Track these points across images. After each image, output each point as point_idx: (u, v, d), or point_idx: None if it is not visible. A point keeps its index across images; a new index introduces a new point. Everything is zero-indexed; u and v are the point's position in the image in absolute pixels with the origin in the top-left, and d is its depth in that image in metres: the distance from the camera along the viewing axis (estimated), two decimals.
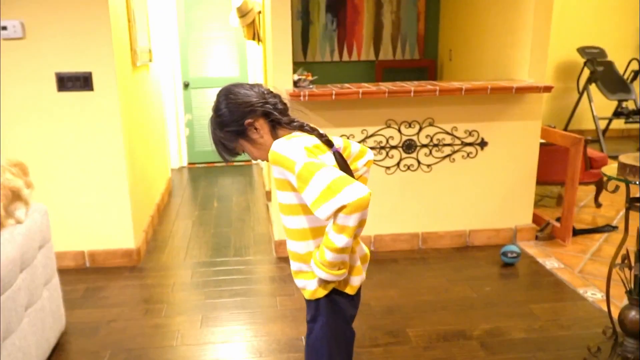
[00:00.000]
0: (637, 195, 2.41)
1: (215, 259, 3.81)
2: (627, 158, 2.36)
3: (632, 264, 2.42)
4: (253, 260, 3.78)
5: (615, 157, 3.13)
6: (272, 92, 1.60)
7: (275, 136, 1.57)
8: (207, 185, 5.74)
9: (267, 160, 1.56)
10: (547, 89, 3.60)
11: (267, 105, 1.55)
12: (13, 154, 3.27)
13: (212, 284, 3.43)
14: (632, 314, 2.45)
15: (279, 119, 1.56)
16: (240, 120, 1.54)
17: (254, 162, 6.65)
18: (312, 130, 1.58)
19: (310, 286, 1.58)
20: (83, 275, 3.54)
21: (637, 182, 2.25)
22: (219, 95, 1.60)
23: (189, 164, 6.61)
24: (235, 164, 6.64)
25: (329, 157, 1.53)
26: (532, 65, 3.78)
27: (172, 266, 3.71)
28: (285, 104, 1.61)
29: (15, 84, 3.37)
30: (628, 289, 2.46)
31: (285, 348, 2.71)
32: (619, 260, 2.45)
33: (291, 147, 1.44)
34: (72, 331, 2.88)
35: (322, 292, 1.57)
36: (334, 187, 1.36)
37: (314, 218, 1.47)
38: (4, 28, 3.29)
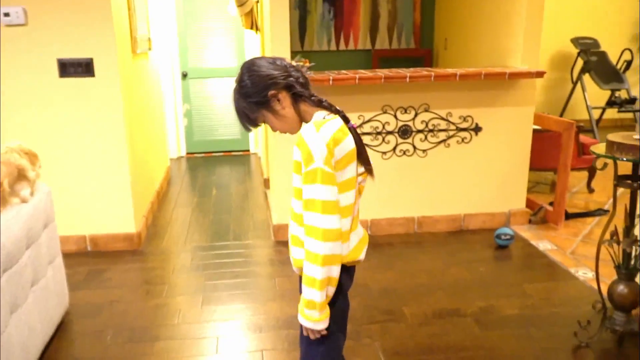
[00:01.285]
0: (625, 174, 2.49)
1: (215, 243, 3.88)
2: (615, 136, 2.43)
3: (621, 239, 2.50)
4: (252, 244, 3.85)
5: None
6: (294, 66, 1.65)
7: (297, 109, 1.62)
8: (205, 174, 5.80)
9: (289, 132, 1.65)
10: (540, 74, 3.67)
11: (290, 79, 1.59)
12: (14, 139, 3.33)
13: (212, 266, 3.50)
14: (621, 287, 2.54)
15: (301, 92, 1.60)
16: (263, 92, 1.58)
17: (252, 151, 6.70)
18: (330, 107, 1.63)
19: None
20: (85, 259, 3.60)
21: (625, 159, 2.32)
22: (242, 68, 1.63)
23: (188, 153, 6.66)
24: (233, 153, 6.70)
25: (349, 140, 1.58)
26: (525, 53, 3.84)
27: (173, 250, 3.77)
28: (306, 78, 1.65)
29: (18, 69, 3.43)
30: (617, 264, 2.55)
31: (284, 325, 2.78)
32: (607, 237, 2.53)
33: (317, 140, 1.50)
34: (75, 311, 2.94)
35: None
36: (322, 206, 1.49)
37: None
38: (7, 14, 3.34)
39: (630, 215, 2.49)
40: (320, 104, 1.62)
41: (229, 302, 3.04)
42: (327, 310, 1.58)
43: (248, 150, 6.74)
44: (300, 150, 1.53)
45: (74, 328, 2.79)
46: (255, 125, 1.67)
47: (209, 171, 5.94)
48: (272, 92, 1.57)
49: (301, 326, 1.63)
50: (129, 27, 3.90)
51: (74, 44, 3.44)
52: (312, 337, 1.61)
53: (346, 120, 1.62)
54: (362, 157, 1.62)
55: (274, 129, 1.67)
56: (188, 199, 4.96)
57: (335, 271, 1.55)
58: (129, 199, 3.70)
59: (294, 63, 3.58)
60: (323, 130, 1.53)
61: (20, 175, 2.29)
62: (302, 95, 1.61)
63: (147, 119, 4.52)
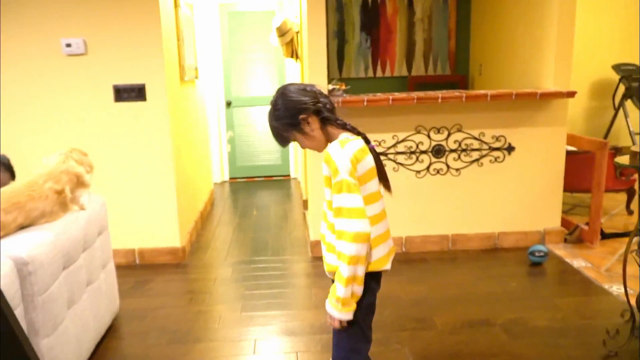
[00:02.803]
0: None
1: (254, 258, 4.06)
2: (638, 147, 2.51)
3: None
4: (290, 260, 4.00)
5: None
6: (323, 93, 1.87)
7: (324, 130, 1.83)
8: (247, 197, 6.03)
9: (316, 150, 1.86)
10: (571, 94, 3.76)
11: (319, 104, 1.81)
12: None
13: (251, 278, 3.67)
14: None
15: (328, 116, 1.82)
16: (295, 115, 1.80)
17: (292, 176, 6.92)
18: (353, 129, 1.84)
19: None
20: (133, 270, 3.83)
21: None
22: (277, 92, 1.86)
23: (231, 178, 6.93)
24: (274, 178, 6.93)
25: (369, 159, 1.78)
26: (557, 76, 3.94)
27: (214, 264, 3.97)
28: (333, 105, 1.87)
29: (77, 94, 3.74)
30: None
31: (318, 330, 2.91)
32: (635, 247, 2.59)
33: (342, 156, 1.71)
34: (124, 315, 3.15)
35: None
36: (348, 212, 1.68)
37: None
38: (69, 45, 3.66)
39: None
40: (344, 127, 1.83)
41: (266, 309, 3.19)
42: (351, 306, 1.74)
43: (288, 175, 6.96)
44: (328, 165, 1.73)
45: (123, 329, 2.99)
46: (287, 142, 1.88)
47: (251, 194, 6.17)
48: (302, 116, 1.79)
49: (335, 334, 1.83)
50: (177, 55, 4.19)
51: (128, 71, 3.73)
52: (334, 325, 1.77)
53: (367, 141, 1.82)
54: (381, 174, 1.82)
55: (302, 147, 1.88)
56: (230, 219, 5.17)
57: (361, 271, 1.71)
58: (174, 216, 3.93)
59: (330, 87, 3.80)
60: (347, 147, 1.73)
61: (79, 182, 2.52)
62: (329, 119, 1.82)
63: (192, 143, 4.79)
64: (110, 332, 2.95)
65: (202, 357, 2.68)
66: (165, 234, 3.96)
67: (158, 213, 3.92)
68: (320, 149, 1.86)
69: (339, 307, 1.73)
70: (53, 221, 2.39)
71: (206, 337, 2.88)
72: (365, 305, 1.83)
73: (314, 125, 1.80)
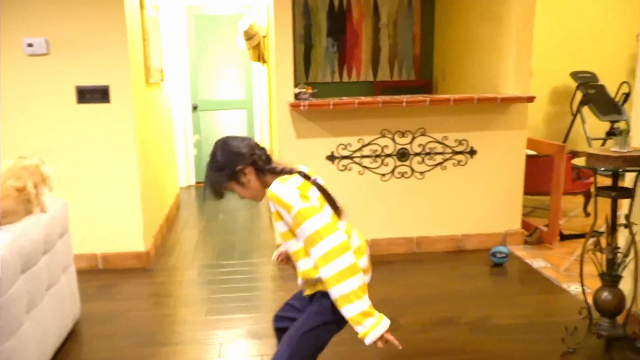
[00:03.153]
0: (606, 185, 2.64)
1: (221, 261, 4.04)
2: (595, 149, 2.60)
3: (603, 248, 2.63)
4: (256, 263, 4.00)
5: None
6: (259, 145, 1.94)
7: (261, 180, 1.89)
8: (213, 201, 5.99)
9: (254, 199, 1.93)
10: (530, 99, 3.86)
11: (254, 156, 1.88)
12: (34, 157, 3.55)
13: (218, 282, 3.65)
14: (605, 294, 2.65)
15: (263, 167, 1.88)
16: (233, 166, 1.86)
17: None
18: (291, 171, 1.89)
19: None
20: (96, 275, 3.77)
21: (602, 169, 2.48)
22: (216, 145, 1.92)
23: (197, 182, 6.87)
24: None
25: (313, 191, 1.83)
26: (516, 80, 4.04)
27: (180, 267, 3.94)
28: (268, 156, 1.93)
29: (39, 95, 3.67)
30: (600, 272, 2.67)
31: None
32: (591, 246, 2.67)
33: (287, 191, 1.76)
34: (86, 320, 3.10)
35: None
36: (317, 235, 1.69)
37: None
38: (30, 45, 3.59)
39: (612, 223, 2.63)
40: (281, 173, 1.87)
41: (232, 312, 3.18)
42: (373, 314, 1.70)
43: None
44: (276, 204, 1.78)
45: (85, 333, 2.95)
46: (221, 196, 1.93)
47: None
48: (239, 167, 1.85)
49: (305, 315, 1.87)
50: (143, 57, 4.16)
51: (92, 72, 3.68)
52: (380, 345, 1.72)
53: (307, 177, 1.87)
54: (330, 202, 1.86)
55: (241, 197, 1.94)
56: (196, 223, 5.14)
57: (358, 279, 1.69)
58: (139, 219, 3.89)
59: (296, 90, 3.83)
60: (288, 183, 1.80)
61: (42, 179, 2.48)
62: (264, 170, 1.88)
63: (158, 146, 4.74)
64: (73, 336, 2.90)
65: None
66: (129, 238, 3.91)
67: (122, 217, 3.87)
68: (258, 197, 1.92)
69: (374, 322, 1.69)
70: (14, 222, 2.34)
71: (171, 341, 2.86)
72: (331, 320, 1.84)
73: (250, 176, 1.87)
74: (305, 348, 1.87)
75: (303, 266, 1.84)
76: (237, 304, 3.30)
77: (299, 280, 1.90)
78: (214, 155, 1.90)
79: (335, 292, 1.68)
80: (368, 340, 1.69)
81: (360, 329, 1.69)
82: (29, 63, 3.62)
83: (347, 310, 1.68)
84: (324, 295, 1.80)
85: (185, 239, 4.61)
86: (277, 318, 2.13)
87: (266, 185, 1.86)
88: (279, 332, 2.10)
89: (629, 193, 2.55)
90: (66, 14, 3.59)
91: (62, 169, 3.73)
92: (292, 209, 1.73)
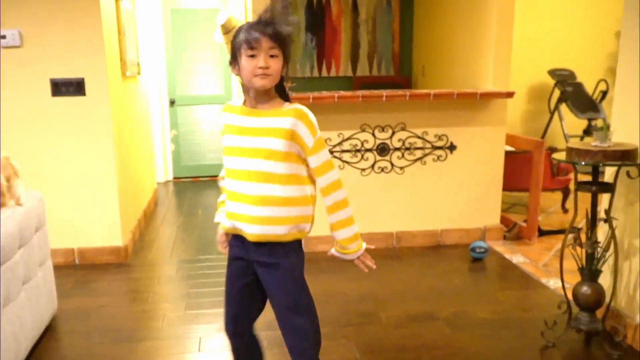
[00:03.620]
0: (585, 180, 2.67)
1: (200, 256, 4.00)
2: (575, 144, 2.62)
3: (583, 242, 2.66)
4: None
5: None
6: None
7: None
8: (192, 197, 5.93)
9: (269, 83, 1.70)
10: (509, 94, 3.89)
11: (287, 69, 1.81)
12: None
13: (197, 277, 3.61)
14: (584, 288, 2.68)
15: (285, 79, 1.81)
16: (288, 44, 1.73)
17: None
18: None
19: (280, 230, 1.79)
20: (73, 270, 3.71)
21: (583, 163, 2.51)
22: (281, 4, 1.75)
23: (175, 178, 6.80)
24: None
25: None
26: (495, 77, 4.07)
27: (158, 263, 3.89)
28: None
29: (12, 89, 3.58)
30: (580, 266, 2.70)
31: (264, 327, 2.85)
32: (571, 241, 2.70)
33: (314, 117, 1.78)
34: (63, 315, 3.04)
35: (298, 235, 1.83)
36: (332, 164, 1.81)
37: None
38: (3, 37, 3.51)
39: (592, 218, 2.66)
40: (288, 101, 1.84)
41: (211, 307, 3.15)
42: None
43: None
44: (303, 123, 1.73)
45: (63, 329, 2.89)
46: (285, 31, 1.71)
47: (196, 194, 6.08)
48: (289, 51, 1.73)
49: (293, 299, 1.86)
50: (119, 50, 4.09)
51: (66, 65, 3.61)
52: (370, 264, 1.93)
53: None
54: None
55: (270, 70, 1.68)
56: (174, 218, 5.08)
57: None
58: (116, 214, 3.83)
59: None
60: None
61: (14, 171, 2.42)
62: (283, 83, 1.81)
63: (135, 141, 4.67)
64: (50, 332, 2.84)
65: (146, 356, 2.62)
66: (106, 233, 3.84)
67: (99, 211, 3.80)
68: (272, 83, 1.73)
69: (361, 243, 1.89)
70: None
71: (150, 336, 2.82)
72: (301, 264, 1.90)
73: (278, 66, 1.70)
74: (312, 304, 1.92)
75: (297, 192, 1.78)
76: (217, 298, 3.27)
77: (247, 209, 1.77)
78: (285, 8, 1.71)
79: (343, 214, 1.83)
80: (355, 256, 1.90)
81: (352, 246, 1.87)
82: (2, 55, 3.53)
83: (348, 231, 1.84)
84: (283, 249, 1.81)
85: (164, 235, 4.55)
86: (237, 322, 2.08)
87: (268, 94, 1.75)
88: (242, 338, 2.09)
89: (609, 188, 2.58)
90: (40, 5, 3.51)
91: (37, 162, 3.66)
92: (317, 133, 1.76)
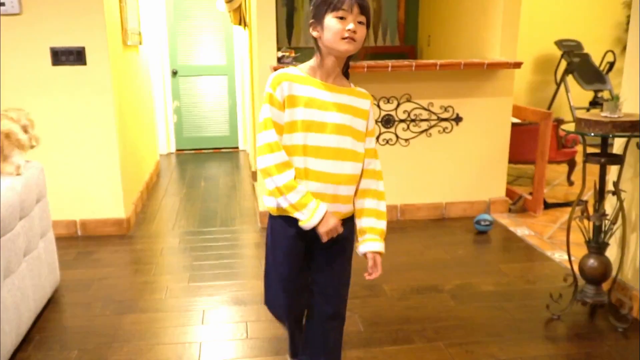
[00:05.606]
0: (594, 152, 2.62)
1: (202, 228, 3.98)
2: (584, 114, 2.57)
3: (590, 215, 2.62)
4: (239, 230, 3.95)
5: None
6: None
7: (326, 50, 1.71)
8: (194, 169, 5.90)
9: (354, 49, 1.67)
10: (517, 64, 3.81)
11: None
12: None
13: (199, 249, 3.60)
14: (591, 261, 2.65)
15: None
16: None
17: (241, 148, 6.81)
18: None
19: (352, 207, 1.88)
20: (75, 242, 3.69)
21: (592, 134, 2.45)
22: None
23: (177, 150, 6.76)
24: (222, 150, 6.81)
25: None
26: (503, 46, 3.98)
27: (161, 234, 3.87)
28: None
29: (12, 57, 3.52)
30: (587, 239, 2.67)
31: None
32: (578, 213, 2.66)
33: None
34: (66, 287, 3.03)
35: None
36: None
37: None
38: (2, 4, 3.43)
39: (600, 190, 2.62)
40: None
41: (214, 279, 3.13)
42: None
43: (237, 147, 6.85)
44: (372, 107, 1.83)
45: (65, 300, 2.88)
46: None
47: (198, 166, 6.05)
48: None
49: (349, 271, 1.95)
50: (120, 18, 4.01)
51: (67, 33, 3.54)
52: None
53: None
54: None
55: (357, 35, 1.66)
56: (177, 190, 5.06)
57: None
58: (118, 185, 3.80)
59: (279, 54, 3.71)
60: None
61: (12, 141, 2.38)
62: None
63: (137, 111, 4.62)
64: (51, 303, 2.83)
65: (149, 327, 2.61)
66: (108, 204, 3.82)
67: (101, 183, 3.78)
68: (355, 50, 1.70)
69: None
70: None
71: (153, 308, 2.81)
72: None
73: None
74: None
75: (357, 171, 1.81)
76: (220, 270, 3.25)
77: (337, 189, 1.75)
78: None
79: (383, 205, 1.88)
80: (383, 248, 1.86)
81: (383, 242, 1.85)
82: (2, 23, 3.47)
83: (384, 224, 1.85)
84: (353, 222, 1.88)
85: (166, 206, 4.53)
86: (297, 300, 1.99)
87: (339, 67, 1.74)
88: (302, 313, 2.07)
89: (618, 159, 2.53)
90: None
91: (38, 132, 3.60)
92: (373, 121, 1.86)
